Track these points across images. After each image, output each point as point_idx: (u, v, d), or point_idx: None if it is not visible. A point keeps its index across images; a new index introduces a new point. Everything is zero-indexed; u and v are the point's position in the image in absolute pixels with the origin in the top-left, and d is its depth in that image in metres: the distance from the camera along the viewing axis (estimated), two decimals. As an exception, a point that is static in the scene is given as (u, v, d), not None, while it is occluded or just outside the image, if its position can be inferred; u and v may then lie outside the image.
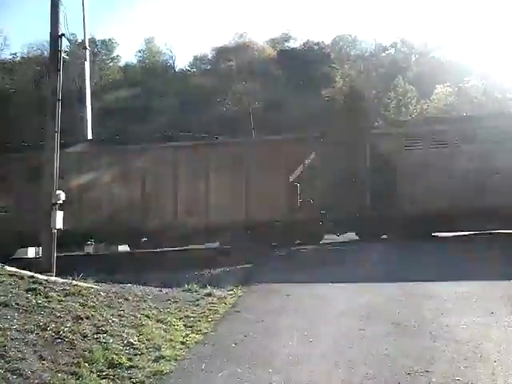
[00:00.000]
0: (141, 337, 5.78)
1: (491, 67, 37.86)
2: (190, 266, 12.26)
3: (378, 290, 8.27)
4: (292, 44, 54.71)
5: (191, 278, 10.91)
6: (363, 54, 53.63)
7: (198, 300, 8.28)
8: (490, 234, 13.59)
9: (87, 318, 5.88)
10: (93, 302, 6.68)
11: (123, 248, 18.05)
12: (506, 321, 6.17)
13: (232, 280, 10.52)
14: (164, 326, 6.40)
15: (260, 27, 77.80)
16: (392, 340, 5.69)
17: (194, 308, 7.70)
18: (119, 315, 6.36)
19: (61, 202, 10.24)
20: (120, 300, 7.23)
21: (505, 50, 42.83)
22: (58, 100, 10.09)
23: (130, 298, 7.51)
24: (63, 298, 6.51)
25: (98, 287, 7.90)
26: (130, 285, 9.25)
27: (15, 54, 49.28)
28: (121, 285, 9.06)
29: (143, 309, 7.08)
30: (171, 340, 5.86)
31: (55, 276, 9.40)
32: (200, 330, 6.36)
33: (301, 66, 45.92)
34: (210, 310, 7.57)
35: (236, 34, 53.56)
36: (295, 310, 7.32)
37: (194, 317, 7.12)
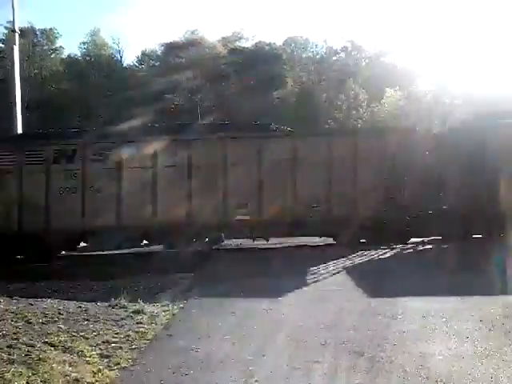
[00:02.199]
0: (33, 378, 4.35)
1: (440, 73, 38.33)
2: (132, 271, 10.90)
3: (338, 305, 7.22)
4: (243, 43, 53.85)
5: (124, 288, 9.56)
6: (314, 57, 53.60)
7: (123, 319, 6.87)
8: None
9: (-45, 357, 4.38)
10: (-26, 329, 5.16)
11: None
12: (482, 348, 5.22)
13: (171, 291, 9.23)
14: (72, 359, 4.98)
15: (211, 25, 76.15)
16: (356, 379, 4.56)
17: (118, 330, 6.29)
18: (8, 346, 4.88)
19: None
20: (18, 323, 5.72)
21: (454, 56, 43.76)
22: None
23: (33, 319, 6.00)
24: None
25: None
26: (45, 300, 7.73)
27: None
28: (31, 300, 7.51)
29: (49, 334, 5.61)
30: (76, 381, 4.46)
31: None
32: (118, 363, 4.99)
33: (252, 66, 45.11)
34: (136, 332, 6.20)
35: (187, 31, 51.98)
36: (240, 334, 6.08)
37: (114, 342, 5.73)
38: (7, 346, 4.84)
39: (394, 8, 67.55)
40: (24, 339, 5.19)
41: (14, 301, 7.35)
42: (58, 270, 12.00)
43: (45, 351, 4.97)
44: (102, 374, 4.70)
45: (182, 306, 7.70)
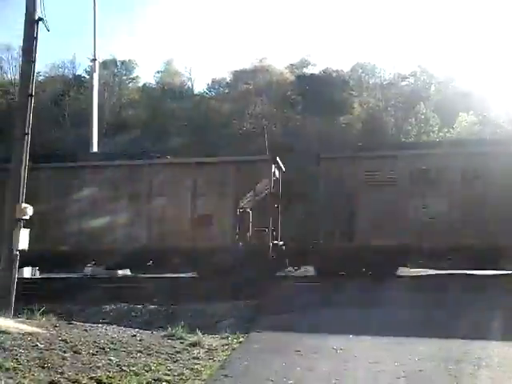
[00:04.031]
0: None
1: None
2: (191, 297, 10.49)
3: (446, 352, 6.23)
4: (311, 70, 53.75)
5: (183, 315, 9.13)
6: (382, 83, 52.43)
7: (179, 352, 6.33)
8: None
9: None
10: (17, 359, 4.77)
11: (124, 272, 16.30)
12: None
13: (230, 322, 8.67)
14: (118, 399, 4.46)
15: (279, 52, 76.97)
16: None
17: (171, 365, 5.73)
18: (50, 382, 4.43)
19: (27, 217, 8.51)
20: (66, 353, 5.31)
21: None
22: (31, 95, 8.46)
23: (82, 349, 5.57)
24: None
25: (44, 332, 5.99)
26: (101, 326, 7.40)
27: (38, 72, 48.89)
28: (88, 325, 7.18)
29: (97, 367, 5.14)
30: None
31: (14, 307, 7.67)
32: (167, 408, 4.40)
33: (319, 92, 44.75)
34: (191, 369, 5.61)
35: (255, 59, 52.83)
36: (305, 377, 5.32)
37: (166, 381, 5.15)
38: (49, 382, 4.40)
39: (465, 31, 64.94)
40: (69, 373, 4.73)
41: (71, 325, 7.04)
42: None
43: (89, 388, 4.49)
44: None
45: (242, 339, 7.06)
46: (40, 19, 8.49)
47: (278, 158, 14.15)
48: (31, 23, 8.54)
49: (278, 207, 14.34)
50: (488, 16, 61.83)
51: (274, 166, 13.83)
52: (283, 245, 14.17)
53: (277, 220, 14.29)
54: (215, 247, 12.72)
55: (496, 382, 5.10)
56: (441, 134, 38.13)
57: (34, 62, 8.59)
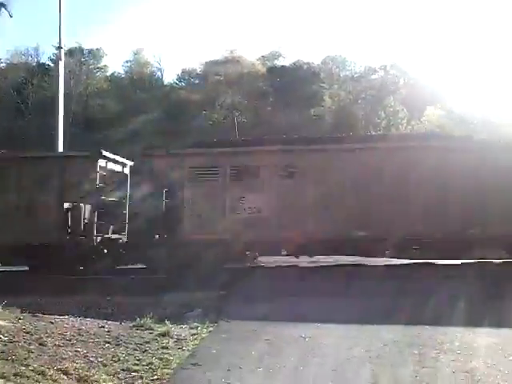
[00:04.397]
0: (37, 414, 3.80)
1: (485, 92, 37.20)
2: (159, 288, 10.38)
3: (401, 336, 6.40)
4: (282, 62, 53.80)
5: (150, 306, 9.02)
6: (353, 76, 52.95)
7: (148, 342, 6.30)
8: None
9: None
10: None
11: None
12: None
13: (200, 312, 8.64)
14: (85, 390, 4.41)
15: (250, 44, 76.63)
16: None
17: (140, 356, 5.71)
18: (15, 374, 4.34)
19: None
20: (31, 345, 5.21)
21: (495, 75, 42.46)
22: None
23: (48, 341, 5.48)
24: None
25: (8, 324, 5.86)
26: (68, 318, 7.27)
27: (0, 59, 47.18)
28: (53, 317, 7.04)
29: (64, 359, 5.07)
30: (85, 418, 3.89)
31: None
32: (136, 398, 4.39)
33: (290, 84, 44.87)
34: (160, 359, 5.61)
35: (226, 50, 52.39)
36: (273, 364, 5.38)
37: (135, 371, 5.14)
38: (14, 374, 4.31)
39: (434, 26, 66.15)
40: (35, 365, 4.65)
41: (36, 318, 6.89)
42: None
43: (56, 381, 4.42)
44: (116, 411, 4.10)
45: (211, 328, 7.08)
46: (2, 4, 8.20)
47: (107, 153, 14.16)
48: (-8, 7, 8.24)
49: (117, 201, 14.38)
50: (455, 13, 63.24)
51: (101, 161, 13.80)
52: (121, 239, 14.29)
53: (117, 214, 14.33)
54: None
55: (456, 365, 5.27)
56: (409, 126, 38.91)
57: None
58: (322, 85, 47.67)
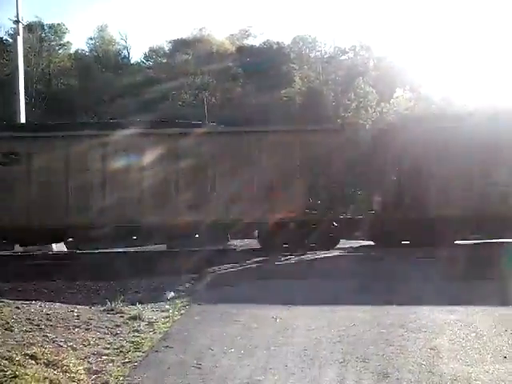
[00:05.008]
0: (5, 400, 3.73)
1: (452, 75, 37.87)
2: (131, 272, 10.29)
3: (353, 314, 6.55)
4: (251, 41, 53.27)
5: (121, 290, 8.97)
6: (323, 56, 52.95)
7: (119, 326, 6.25)
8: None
9: None
10: None
11: (59, 247, 15.72)
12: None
13: (171, 296, 8.62)
14: (54, 375, 4.34)
15: (219, 22, 75.39)
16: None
17: (111, 339, 5.67)
18: (-18, 360, 4.24)
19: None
20: (-3, 331, 5.09)
21: (467, 58, 43.25)
22: None
23: (16, 325, 5.36)
24: None
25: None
26: (35, 302, 7.11)
27: None
28: (19, 303, 6.88)
29: (31, 344, 4.97)
30: (56, 404, 3.84)
31: None
32: (107, 383, 4.35)
33: (260, 64, 44.52)
34: (131, 342, 5.58)
35: (194, 28, 51.46)
36: (245, 345, 5.43)
37: (106, 355, 5.10)
38: (-20, 360, 4.22)
39: (403, 8, 66.57)
40: (1, 351, 4.54)
41: (1, 303, 6.72)
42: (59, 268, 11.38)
43: (24, 366, 4.33)
44: (88, 395, 4.06)
45: (183, 311, 7.08)
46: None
47: None
48: None
49: None
50: (423, -6, 63.60)
51: None
52: None
53: None
54: None
55: (423, 342, 5.45)
56: (378, 109, 39.32)
57: None
58: (292, 65, 47.54)
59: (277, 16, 72.05)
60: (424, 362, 4.81)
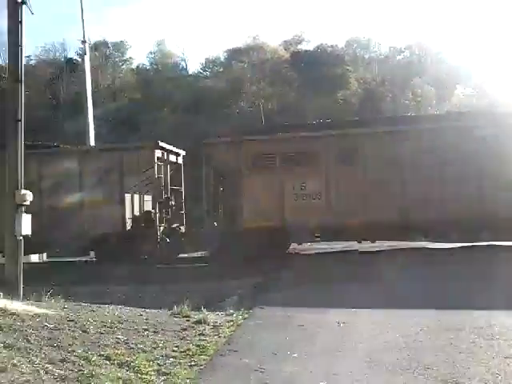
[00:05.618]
0: (84, 398, 3.96)
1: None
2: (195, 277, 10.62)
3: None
4: (305, 46, 53.15)
5: (187, 294, 9.22)
6: (378, 57, 51.94)
7: (185, 329, 6.44)
8: None
9: (2, 371, 4.04)
10: (28, 340, 4.87)
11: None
12: None
13: (235, 299, 8.80)
14: (127, 375, 4.56)
15: (273, 29, 75.76)
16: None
17: (178, 342, 5.85)
18: (61, 359, 4.54)
19: (27, 203, 8.54)
20: (75, 332, 5.41)
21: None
22: (20, 81, 8.42)
23: (91, 328, 5.68)
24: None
25: (53, 313, 6.09)
26: (108, 306, 7.49)
27: (29, 56, 48.08)
28: (95, 306, 7.28)
29: (105, 346, 5.25)
30: (129, 403, 4.03)
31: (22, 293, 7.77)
32: (174, 384, 4.52)
33: (314, 69, 44.36)
34: (197, 346, 5.73)
35: (248, 37, 52.11)
36: (310, 352, 5.44)
37: (173, 357, 5.28)
38: (60, 360, 4.50)
39: (459, 2, 63.87)
40: (79, 351, 4.85)
41: (78, 306, 7.14)
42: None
43: (100, 366, 4.59)
44: (158, 396, 4.23)
45: (246, 315, 7.19)
46: (23, 2, 8.34)
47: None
48: (14, 6, 8.40)
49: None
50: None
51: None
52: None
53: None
54: None
55: (497, 349, 5.21)
56: (438, 107, 38.06)
57: (20, 46, 8.45)
58: (347, 67, 46.99)
59: (329, 20, 71.47)
60: (498, 372, 4.59)
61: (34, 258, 16.02)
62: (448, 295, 7.70)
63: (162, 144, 14.33)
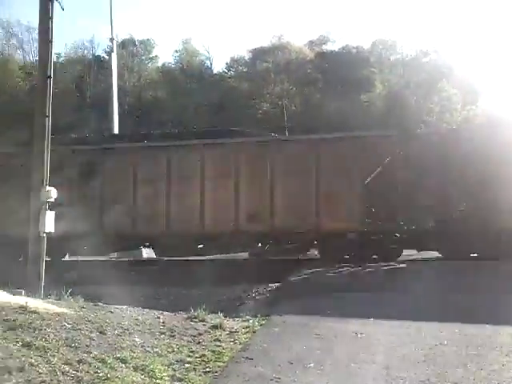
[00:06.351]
0: (98, 402, 3.99)
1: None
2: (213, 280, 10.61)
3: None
4: (330, 47, 52.76)
5: (204, 298, 9.24)
6: (403, 59, 51.20)
7: (201, 334, 6.44)
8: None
9: (20, 371, 4.09)
10: (46, 339, 4.92)
11: (148, 253, 16.48)
12: None
13: (251, 305, 8.79)
14: (142, 379, 4.58)
15: (298, 29, 75.34)
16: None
17: (194, 347, 5.86)
18: (78, 361, 4.58)
19: (52, 200, 8.68)
20: (93, 334, 5.46)
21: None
22: (49, 77, 8.56)
23: (108, 329, 5.72)
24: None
25: (72, 313, 6.15)
26: (126, 308, 7.54)
27: (59, 54, 48.98)
28: (113, 307, 7.34)
29: (122, 348, 5.28)
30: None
31: (43, 291, 7.91)
32: (188, 391, 4.51)
33: (339, 70, 44.02)
34: (213, 351, 5.72)
35: (273, 36, 51.96)
36: (324, 361, 5.37)
37: (188, 362, 5.28)
38: (77, 361, 4.55)
39: (485, 6, 62.45)
40: (96, 353, 4.88)
41: (96, 307, 7.21)
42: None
43: (115, 369, 4.61)
44: (172, 403, 4.23)
45: (263, 322, 7.15)
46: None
47: None
48: (45, 2, 8.55)
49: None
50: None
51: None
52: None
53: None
54: None
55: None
56: (464, 112, 37.33)
57: (50, 42, 8.61)
58: (372, 69, 46.48)
59: (355, 20, 70.83)
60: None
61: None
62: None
63: None
